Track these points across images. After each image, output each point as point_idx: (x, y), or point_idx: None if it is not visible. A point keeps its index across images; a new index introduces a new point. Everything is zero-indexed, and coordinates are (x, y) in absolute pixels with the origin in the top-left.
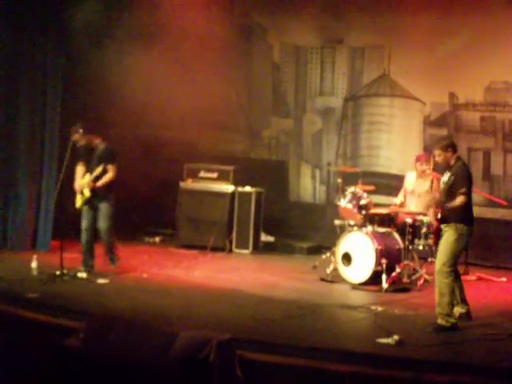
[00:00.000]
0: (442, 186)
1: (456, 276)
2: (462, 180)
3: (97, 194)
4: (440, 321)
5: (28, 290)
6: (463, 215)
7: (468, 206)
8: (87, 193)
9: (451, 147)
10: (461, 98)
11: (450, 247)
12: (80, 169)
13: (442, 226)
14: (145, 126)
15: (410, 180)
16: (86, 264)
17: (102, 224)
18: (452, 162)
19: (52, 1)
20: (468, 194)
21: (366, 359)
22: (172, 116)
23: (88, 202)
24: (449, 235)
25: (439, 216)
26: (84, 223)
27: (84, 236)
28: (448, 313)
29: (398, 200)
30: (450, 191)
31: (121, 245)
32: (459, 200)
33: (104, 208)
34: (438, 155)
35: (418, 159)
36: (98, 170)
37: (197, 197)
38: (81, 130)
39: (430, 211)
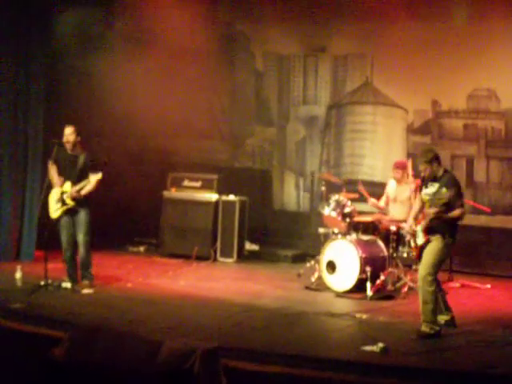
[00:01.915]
0: (427, 196)
1: (438, 284)
2: (458, 193)
3: (76, 202)
4: (424, 328)
5: (12, 301)
6: (452, 228)
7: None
8: (70, 202)
9: (436, 160)
10: (443, 106)
11: (436, 257)
12: (53, 168)
13: (430, 237)
14: (129, 135)
15: (392, 187)
16: (71, 276)
17: (81, 238)
18: (439, 173)
19: (35, 8)
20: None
21: (350, 367)
22: (156, 125)
23: (69, 210)
24: (436, 245)
25: (424, 226)
26: (64, 236)
27: (67, 250)
28: (432, 320)
29: (381, 202)
30: (446, 204)
31: (106, 255)
32: (459, 211)
33: (82, 218)
34: (424, 169)
35: (394, 166)
36: (86, 181)
37: (181, 206)
38: (78, 138)
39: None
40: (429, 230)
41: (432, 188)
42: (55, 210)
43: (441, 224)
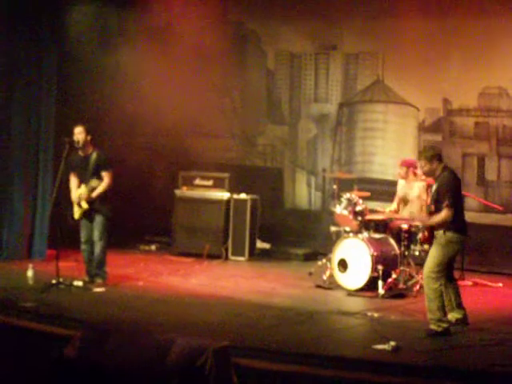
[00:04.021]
0: (431, 195)
1: (450, 281)
2: (446, 192)
3: (93, 205)
4: (432, 326)
5: (24, 299)
6: (451, 223)
7: (457, 214)
8: (85, 205)
9: (436, 157)
10: (455, 104)
11: (438, 254)
12: (73, 179)
13: (435, 233)
14: (140, 134)
15: (401, 186)
16: (90, 275)
17: (96, 237)
18: (438, 171)
19: (46, 8)
20: (454, 205)
21: (362, 365)
22: (167, 124)
23: (86, 213)
24: (437, 242)
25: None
26: (83, 235)
27: (85, 248)
28: (439, 318)
29: (391, 207)
30: (436, 202)
31: (117, 253)
32: (444, 214)
33: (99, 220)
34: (423, 166)
35: (399, 164)
36: (95, 182)
37: (192, 204)
38: (88, 138)
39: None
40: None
41: (434, 186)
42: (75, 213)
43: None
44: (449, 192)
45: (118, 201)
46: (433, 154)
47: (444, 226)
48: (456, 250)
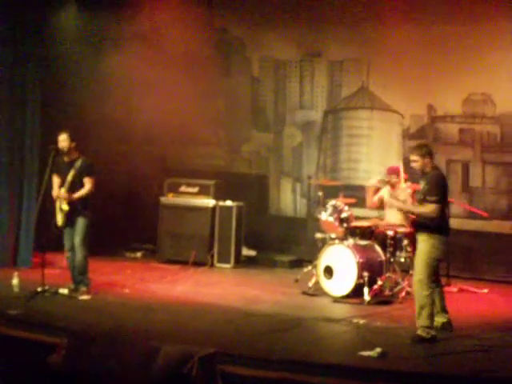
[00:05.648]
0: (418, 195)
1: (437, 285)
2: (436, 188)
3: (74, 210)
4: (420, 332)
5: (9, 307)
6: (437, 225)
7: (442, 215)
8: (65, 207)
9: (429, 154)
10: (439, 110)
11: (425, 259)
12: (55, 179)
13: (417, 235)
14: (125, 141)
15: (387, 192)
16: (75, 282)
17: (77, 243)
18: (428, 169)
19: (31, 12)
20: (441, 203)
21: (348, 372)
22: (152, 131)
23: (68, 218)
24: (422, 246)
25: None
26: (67, 244)
27: (69, 256)
28: (428, 325)
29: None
30: (425, 197)
31: (103, 261)
32: (431, 208)
33: (80, 224)
34: (415, 161)
35: (387, 173)
36: (70, 178)
37: (178, 211)
38: (72, 144)
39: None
40: (414, 225)
41: (421, 185)
42: (58, 220)
43: (424, 221)
44: (439, 189)
45: (105, 208)
46: (426, 151)
47: (426, 219)
48: (442, 251)
